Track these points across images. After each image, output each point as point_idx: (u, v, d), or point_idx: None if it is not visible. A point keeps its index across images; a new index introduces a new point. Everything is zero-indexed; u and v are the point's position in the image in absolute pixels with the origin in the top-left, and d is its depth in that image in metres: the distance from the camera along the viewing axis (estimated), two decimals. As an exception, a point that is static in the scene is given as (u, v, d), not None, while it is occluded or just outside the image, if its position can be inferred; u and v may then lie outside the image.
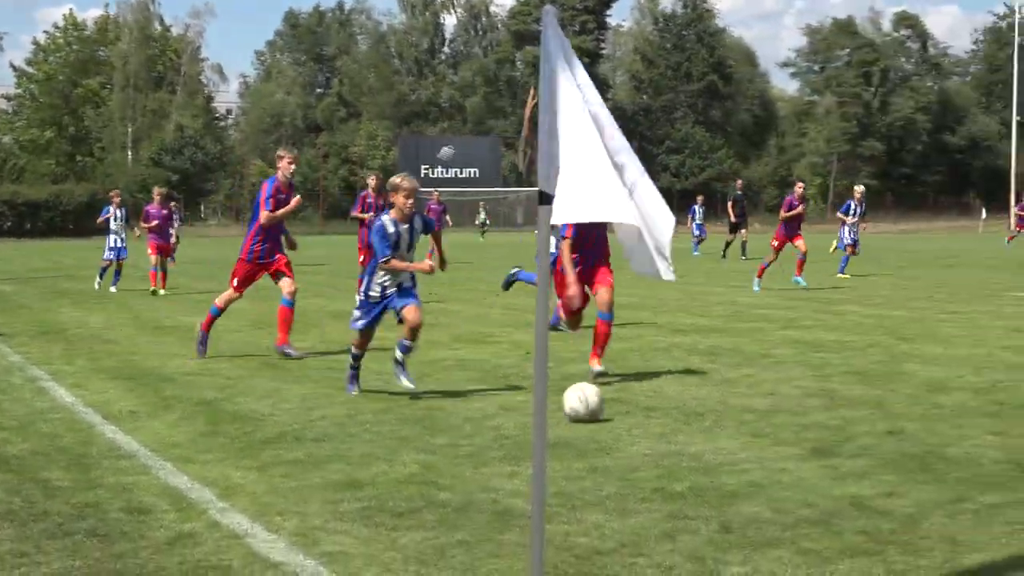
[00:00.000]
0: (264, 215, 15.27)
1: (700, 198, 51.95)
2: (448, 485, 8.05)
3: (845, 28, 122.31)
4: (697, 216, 49.09)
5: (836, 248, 32.86)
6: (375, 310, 12.04)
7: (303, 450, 9.26)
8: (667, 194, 59.58)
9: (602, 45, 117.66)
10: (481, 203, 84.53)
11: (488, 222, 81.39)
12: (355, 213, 23.90)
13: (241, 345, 16.62)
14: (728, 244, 43.65)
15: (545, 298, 5.44)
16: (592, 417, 10.26)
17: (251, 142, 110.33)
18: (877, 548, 6.50)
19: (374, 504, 7.56)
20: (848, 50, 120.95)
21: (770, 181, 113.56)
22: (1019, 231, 50.35)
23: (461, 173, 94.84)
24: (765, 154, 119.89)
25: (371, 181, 23.76)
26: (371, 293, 12.02)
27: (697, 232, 48.62)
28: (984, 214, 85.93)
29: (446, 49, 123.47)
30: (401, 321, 11.85)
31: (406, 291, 11.97)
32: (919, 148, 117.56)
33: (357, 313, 12.13)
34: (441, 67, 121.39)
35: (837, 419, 10.37)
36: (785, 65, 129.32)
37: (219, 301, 15.66)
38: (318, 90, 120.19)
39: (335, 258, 45.98)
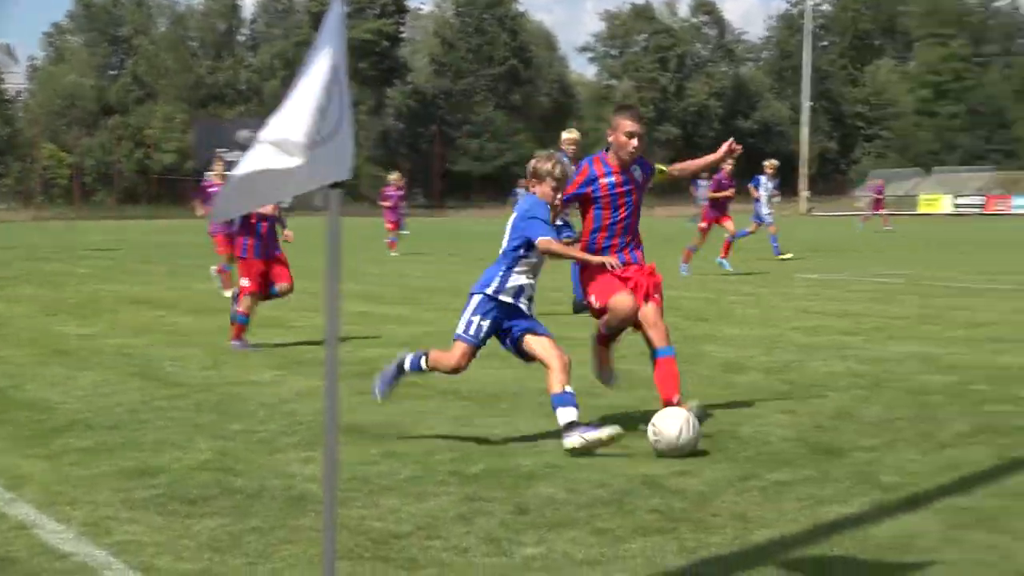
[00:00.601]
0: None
1: (522, 181, 52.32)
2: (243, 471, 7.94)
3: (643, 14, 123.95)
4: (519, 198, 49.66)
5: (759, 227, 30.29)
6: (494, 320, 9.29)
7: (94, 438, 9.07)
8: (466, 177, 60.35)
9: (402, 29, 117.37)
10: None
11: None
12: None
13: (30, 332, 16.23)
14: None
15: (335, 282, 5.39)
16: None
17: (42, 124, 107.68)
18: (670, 526, 6.58)
19: (167, 492, 7.43)
20: (646, 35, 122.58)
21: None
22: (875, 213, 51.66)
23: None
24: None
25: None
26: (502, 297, 9.25)
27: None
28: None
29: (245, 31, 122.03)
30: (527, 357, 9.41)
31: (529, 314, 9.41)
32: (712, 133, 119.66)
33: (474, 320, 9.28)
34: (240, 50, 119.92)
35: (633, 399, 10.49)
36: (584, 50, 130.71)
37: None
38: (111, 72, 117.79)
39: (129, 243, 45.22)
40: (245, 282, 14.53)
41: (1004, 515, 6.71)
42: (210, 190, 22.09)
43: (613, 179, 9.69)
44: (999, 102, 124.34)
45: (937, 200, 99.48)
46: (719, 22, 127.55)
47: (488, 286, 9.09)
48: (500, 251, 9.18)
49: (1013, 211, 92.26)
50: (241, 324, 14.43)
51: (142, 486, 7.57)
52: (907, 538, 6.31)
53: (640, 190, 9.87)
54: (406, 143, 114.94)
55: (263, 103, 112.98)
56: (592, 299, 9.68)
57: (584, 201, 9.64)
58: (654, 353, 9.49)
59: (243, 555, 6.14)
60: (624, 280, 9.44)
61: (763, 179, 30.04)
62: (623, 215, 9.67)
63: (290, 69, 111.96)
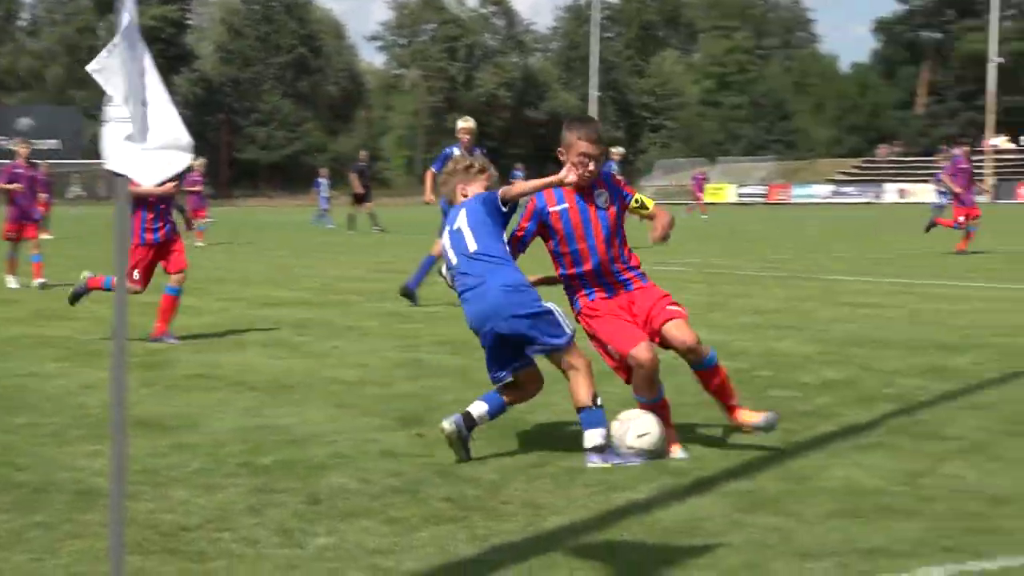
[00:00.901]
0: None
1: (323, 171, 52.03)
2: (27, 466, 7.76)
3: (432, 3, 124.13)
4: (323, 189, 49.31)
5: None
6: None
7: None
8: (254, 166, 59.21)
9: (187, 15, 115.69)
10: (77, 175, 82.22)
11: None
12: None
13: None
14: (352, 217, 43.27)
15: (123, 271, 5.30)
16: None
17: None
18: (462, 514, 6.61)
19: (-54, 489, 7.23)
20: (435, 25, 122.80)
21: (358, 154, 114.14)
22: (697, 203, 52.11)
23: (43, 144, 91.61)
24: (353, 127, 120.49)
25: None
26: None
27: (324, 205, 48.95)
28: None
29: (24, 16, 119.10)
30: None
31: None
32: (501, 123, 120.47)
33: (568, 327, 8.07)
34: (20, 35, 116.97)
35: (424, 388, 10.52)
36: (373, 39, 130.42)
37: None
38: None
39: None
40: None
41: (787, 498, 6.88)
42: (16, 171, 22.33)
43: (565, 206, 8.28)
44: (780, 94, 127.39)
45: (722, 189, 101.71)
46: (508, 12, 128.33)
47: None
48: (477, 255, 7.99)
49: (793, 200, 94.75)
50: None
51: (-80, 483, 7.36)
52: (695, 521, 6.43)
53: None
54: (193, 131, 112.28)
55: (46, 90, 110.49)
56: (609, 350, 8.16)
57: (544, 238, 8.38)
58: (701, 365, 8.13)
59: (27, 551, 6.00)
60: (633, 318, 8.17)
61: (613, 164, 30.35)
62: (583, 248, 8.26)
63: (73, 55, 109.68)
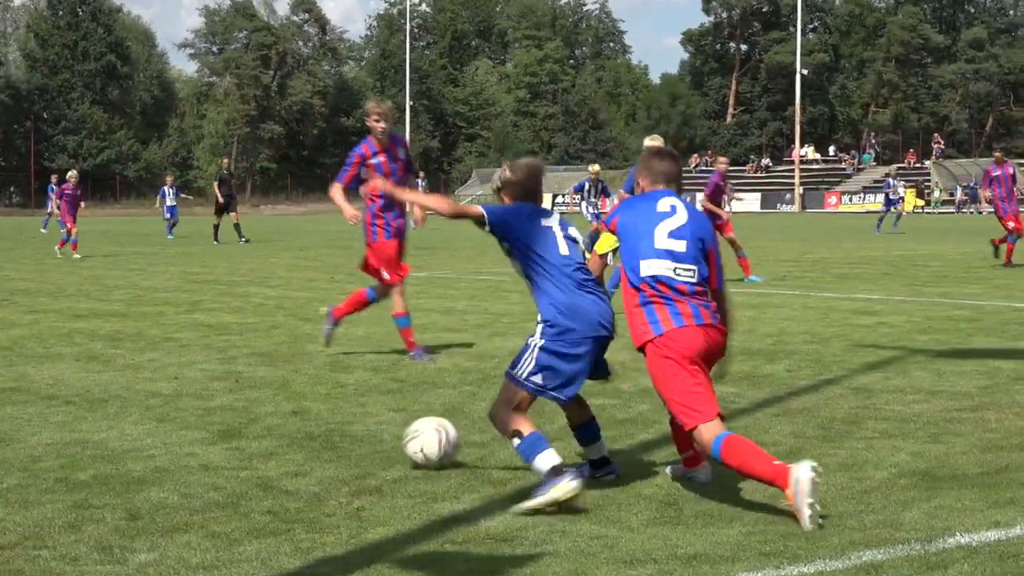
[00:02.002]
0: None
1: (169, 179, 50.89)
2: None
3: (243, 10, 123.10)
4: (168, 198, 48.15)
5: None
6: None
7: None
8: (62, 176, 56.98)
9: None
10: None
11: None
12: None
13: None
14: (217, 227, 41.72)
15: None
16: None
17: None
18: (284, 527, 6.58)
19: None
20: (246, 33, 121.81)
21: (171, 163, 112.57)
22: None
23: None
24: (165, 135, 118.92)
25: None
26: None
27: (169, 215, 47.72)
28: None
29: None
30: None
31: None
32: (316, 131, 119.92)
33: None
34: None
35: (243, 401, 10.43)
36: (184, 46, 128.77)
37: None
38: None
39: None
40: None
41: (609, 505, 6.97)
42: None
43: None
44: (592, 103, 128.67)
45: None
46: (320, 20, 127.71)
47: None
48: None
49: (608, 209, 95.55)
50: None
51: None
52: (518, 531, 6.48)
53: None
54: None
55: None
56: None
57: None
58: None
59: None
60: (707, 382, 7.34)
61: (587, 183, 30.35)
62: None
63: None
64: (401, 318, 12.94)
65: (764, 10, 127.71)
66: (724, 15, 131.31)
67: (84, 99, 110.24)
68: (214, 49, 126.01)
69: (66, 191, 35.72)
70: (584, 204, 30.13)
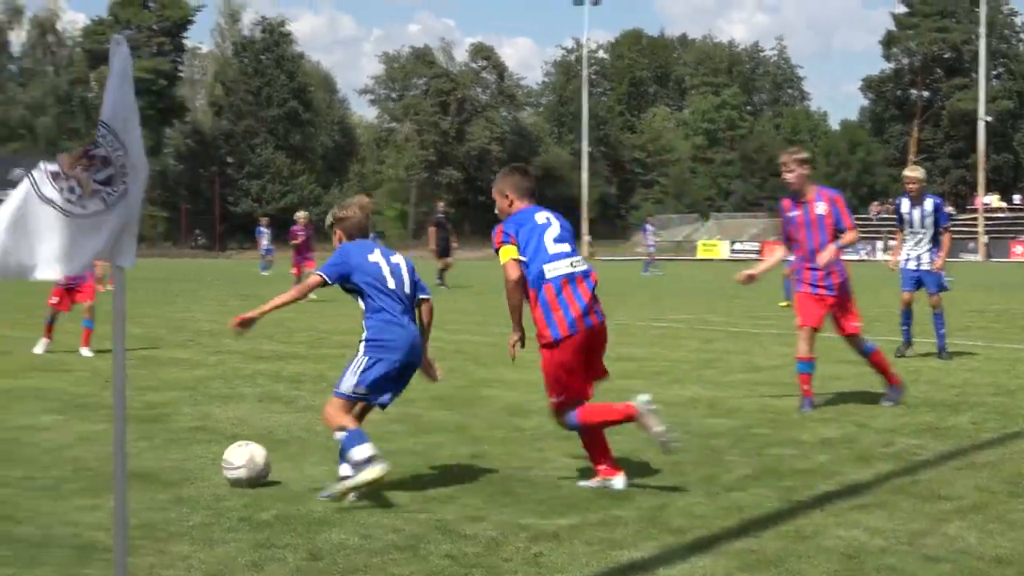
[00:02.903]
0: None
1: (265, 220, 52.09)
2: (26, 519, 7.74)
3: (423, 57, 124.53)
4: (266, 239, 49.47)
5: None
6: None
7: None
8: (247, 219, 58.94)
9: (180, 68, 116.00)
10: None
11: None
12: None
13: None
14: (443, 271, 39.80)
15: (122, 323, 5.29)
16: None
17: None
18: (463, 571, 6.59)
19: (-55, 542, 7.20)
20: (425, 79, 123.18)
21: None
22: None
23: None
24: (346, 180, 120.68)
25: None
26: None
27: (264, 253, 49.17)
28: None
29: (12, 67, 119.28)
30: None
31: None
32: (494, 177, 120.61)
33: None
34: (11, 86, 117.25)
35: (421, 444, 10.50)
36: (364, 92, 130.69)
37: None
38: None
39: None
40: None
41: (789, 557, 6.87)
42: None
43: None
44: (771, 150, 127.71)
45: (716, 246, 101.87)
46: (498, 67, 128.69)
47: None
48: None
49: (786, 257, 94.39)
50: None
51: (-81, 537, 7.33)
52: (697, 579, 6.43)
53: None
54: (185, 184, 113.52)
55: (36, 140, 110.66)
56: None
57: None
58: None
59: (28, 607, 5.98)
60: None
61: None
62: None
63: (63, 105, 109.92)
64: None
65: (946, 56, 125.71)
66: (905, 61, 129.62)
67: (267, 144, 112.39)
68: (394, 95, 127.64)
69: (298, 232, 36.50)
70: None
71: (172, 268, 63.49)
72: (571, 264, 8.80)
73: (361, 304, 8.98)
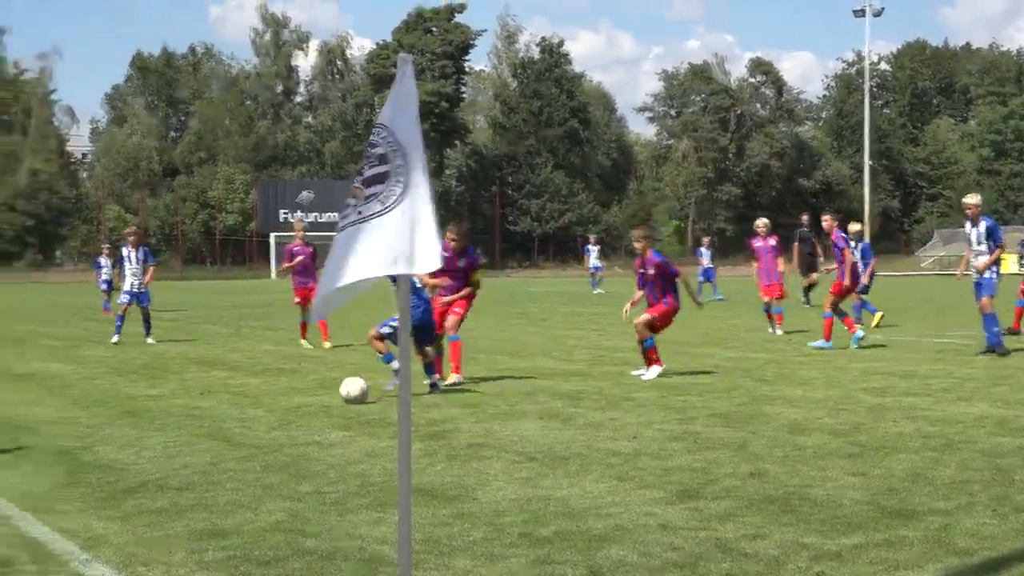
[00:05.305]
0: None
1: (593, 238, 52.52)
2: (314, 533, 7.98)
3: (700, 74, 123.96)
4: (593, 256, 50.17)
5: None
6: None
7: (166, 499, 9.14)
8: (527, 238, 59.63)
9: (462, 90, 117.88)
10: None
11: None
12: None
13: (99, 393, 16.37)
14: (808, 288, 36.88)
15: (408, 346, 5.42)
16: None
17: (106, 186, 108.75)
18: (743, 590, 6.55)
19: (239, 553, 7.47)
20: (704, 95, 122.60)
21: (631, 224, 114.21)
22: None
23: (321, 217, 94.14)
24: (624, 198, 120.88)
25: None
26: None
27: (593, 270, 49.93)
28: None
29: (302, 92, 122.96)
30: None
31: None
32: (774, 193, 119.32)
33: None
34: (298, 110, 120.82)
35: (700, 461, 10.45)
36: (642, 110, 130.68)
37: None
38: (173, 133, 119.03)
39: (194, 304, 45.55)
40: None
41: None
42: (295, 250, 24.80)
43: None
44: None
45: (1004, 260, 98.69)
46: (777, 82, 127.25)
47: None
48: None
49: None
50: None
51: (215, 547, 7.62)
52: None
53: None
54: (466, 204, 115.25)
55: (323, 164, 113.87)
56: None
57: None
58: None
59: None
60: None
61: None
62: None
63: (349, 130, 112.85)
64: None
65: None
66: None
67: (547, 164, 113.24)
68: (672, 112, 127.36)
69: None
70: None
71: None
72: None
73: None
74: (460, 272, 16.92)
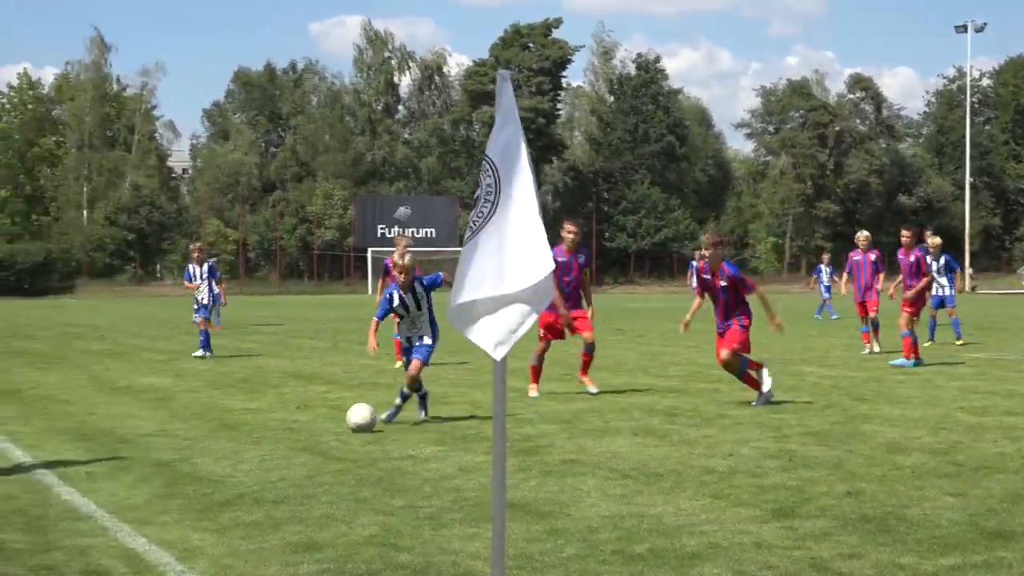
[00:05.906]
0: None
1: (826, 257, 47.99)
2: (408, 547, 8.01)
3: (799, 89, 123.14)
4: (824, 277, 44.79)
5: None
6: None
7: (262, 512, 9.21)
8: (623, 254, 59.17)
9: (558, 106, 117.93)
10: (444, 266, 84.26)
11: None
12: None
13: (198, 407, 16.55)
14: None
15: (503, 361, 5.42)
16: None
17: (207, 201, 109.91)
18: (838, 610, 6.50)
19: (333, 566, 7.52)
20: (802, 112, 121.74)
21: (728, 242, 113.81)
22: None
23: (418, 233, 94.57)
24: (721, 214, 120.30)
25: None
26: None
27: (826, 294, 44.31)
28: None
29: (401, 108, 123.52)
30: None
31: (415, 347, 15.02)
32: (871, 211, 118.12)
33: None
34: (396, 126, 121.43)
35: (796, 480, 10.38)
36: (740, 126, 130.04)
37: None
38: (272, 148, 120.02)
39: (292, 319, 45.89)
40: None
41: None
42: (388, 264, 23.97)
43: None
44: None
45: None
46: (876, 98, 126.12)
47: None
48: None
49: None
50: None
51: (309, 560, 7.67)
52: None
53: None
54: (563, 220, 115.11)
55: (420, 180, 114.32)
56: None
57: None
58: None
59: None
60: None
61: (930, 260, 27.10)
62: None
63: (446, 146, 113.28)
64: None
65: None
66: None
67: (643, 180, 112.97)
68: (770, 128, 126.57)
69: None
70: None
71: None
72: None
73: None
74: (576, 271, 17.95)
